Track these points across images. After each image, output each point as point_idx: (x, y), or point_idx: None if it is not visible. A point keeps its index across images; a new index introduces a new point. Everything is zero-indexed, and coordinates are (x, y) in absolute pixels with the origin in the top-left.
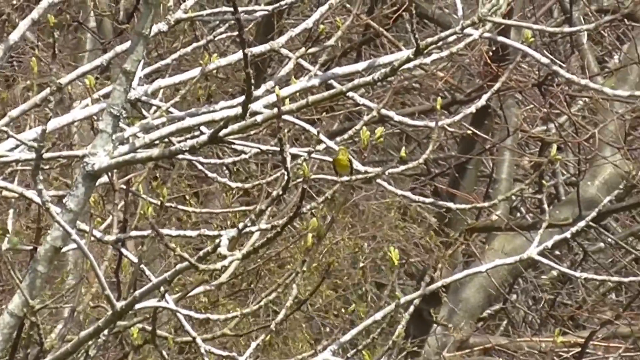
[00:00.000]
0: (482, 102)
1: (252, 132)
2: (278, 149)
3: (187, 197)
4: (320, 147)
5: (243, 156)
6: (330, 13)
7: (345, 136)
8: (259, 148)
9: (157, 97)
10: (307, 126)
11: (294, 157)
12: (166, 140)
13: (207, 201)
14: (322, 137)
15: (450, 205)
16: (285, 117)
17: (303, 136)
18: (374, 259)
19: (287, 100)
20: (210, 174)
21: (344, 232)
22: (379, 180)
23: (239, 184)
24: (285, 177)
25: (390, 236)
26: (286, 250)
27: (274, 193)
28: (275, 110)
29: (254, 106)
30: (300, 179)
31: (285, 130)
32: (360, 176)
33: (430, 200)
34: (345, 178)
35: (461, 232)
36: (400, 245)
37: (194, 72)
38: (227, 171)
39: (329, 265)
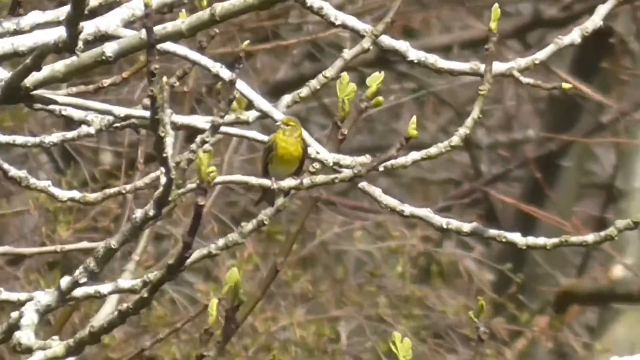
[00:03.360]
0: (595, 21)
1: (104, 84)
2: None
3: None
4: (247, 114)
5: (83, 130)
6: None
7: (303, 92)
8: (112, 114)
9: None
10: (211, 63)
11: (190, 136)
12: None
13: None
14: (245, 89)
15: (517, 239)
16: (166, 46)
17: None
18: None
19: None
20: (13, 171)
21: (296, 305)
22: (367, 187)
23: (75, 194)
24: (164, 180)
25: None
26: (167, 338)
27: (138, 215)
28: (143, 33)
29: (98, 23)
30: (194, 185)
31: (163, 80)
32: (321, 178)
33: (472, 226)
34: (289, 182)
35: (545, 304)
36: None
37: None
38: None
39: None
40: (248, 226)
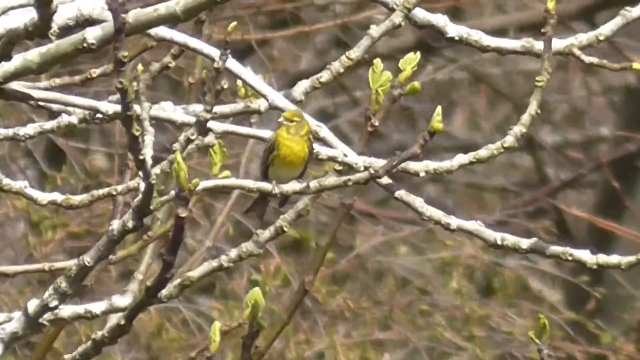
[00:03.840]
0: None
1: (92, 75)
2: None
3: None
4: (258, 102)
5: (63, 120)
6: None
7: (323, 77)
8: (98, 111)
9: None
10: (216, 52)
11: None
12: None
13: None
14: (251, 78)
15: (586, 257)
16: (160, 32)
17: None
18: None
19: None
20: None
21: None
22: (406, 196)
23: (57, 196)
24: (143, 186)
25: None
26: None
27: (115, 227)
28: (133, 14)
29: (81, 6)
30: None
31: (138, 68)
32: (331, 181)
33: (531, 243)
34: (292, 186)
35: (628, 329)
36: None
37: None
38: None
39: None
40: (265, 234)
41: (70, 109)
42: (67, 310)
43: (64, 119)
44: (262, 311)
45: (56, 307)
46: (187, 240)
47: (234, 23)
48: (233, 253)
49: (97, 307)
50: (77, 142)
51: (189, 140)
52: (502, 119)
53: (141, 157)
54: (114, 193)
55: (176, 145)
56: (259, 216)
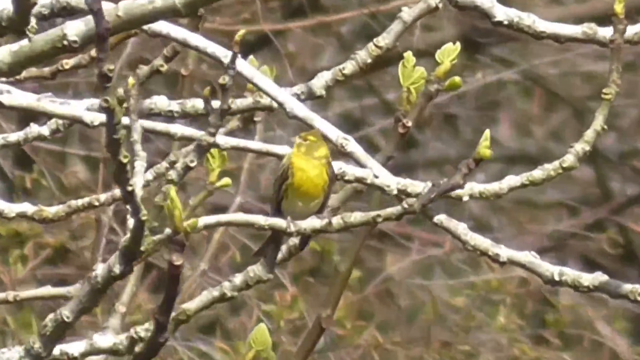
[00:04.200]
0: None
1: (65, 66)
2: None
3: None
4: (255, 97)
5: (32, 131)
6: None
7: (347, 68)
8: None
9: None
10: (223, 52)
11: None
12: None
13: None
14: (263, 81)
15: None
16: (157, 27)
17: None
18: None
19: None
20: None
21: None
22: (447, 222)
23: (27, 208)
24: (132, 223)
25: None
26: None
27: (99, 272)
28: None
29: None
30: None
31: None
32: (358, 217)
33: (595, 279)
34: (312, 223)
35: None
36: None
37: None
38: None
39: None
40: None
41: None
42: None
43: (33, 129)
44: (272, 351)
45: None
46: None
47: (243, 31)
48: (238, 279)
49: (76, 348)
50: (52, 145)
51: (187, 168)
52: (557, 125)
53: (129, 189)
54: (96, 204)
55: (171, 174)
56: (268, 263)
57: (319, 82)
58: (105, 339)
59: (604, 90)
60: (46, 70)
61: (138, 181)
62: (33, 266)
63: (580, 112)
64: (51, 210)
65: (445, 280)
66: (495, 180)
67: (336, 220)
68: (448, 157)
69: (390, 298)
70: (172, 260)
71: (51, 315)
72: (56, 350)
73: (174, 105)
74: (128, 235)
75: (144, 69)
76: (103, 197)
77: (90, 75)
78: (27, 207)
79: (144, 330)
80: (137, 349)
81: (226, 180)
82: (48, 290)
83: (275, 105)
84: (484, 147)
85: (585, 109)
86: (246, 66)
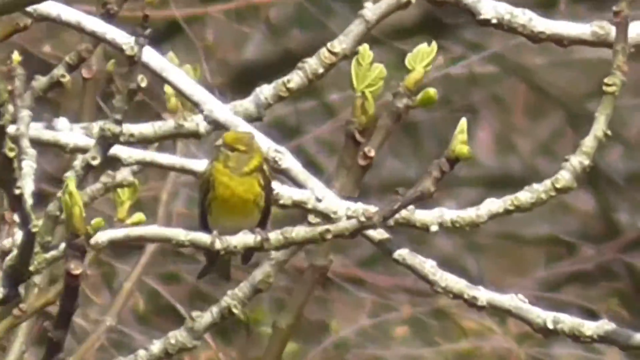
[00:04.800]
0: None
1: None
2: None
3: None
4: (196, 119)
5: None
6: None
7: (292, 81)
8: None
9: None
10: (126, 38)
11: None
12: None
13: None
14: (179, 78)
15: None
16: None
17: None
18: None
19: None
20: None
21: None
22: (409, 257)
23: None
24: (21, 237)
25: None
26: None
27: None
28: None
29: None
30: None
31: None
32: (301, 232)
33: (599, 328)
34: (244, 239)
35: None
36: None
37: None
38: None
39: None
40: (204, 318)
41: None
42: None
43: None
44: None
45: None
46: (75, 318)
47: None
48: (156, 346)
49: None
50: None
51: (88, 167)
52: (548, 134)
53: (17, 192)
54: None
55: (69, 174)
56: (223, 276)
57: (257, 100)
58: None
59: (606, 80)
60: None
61: (27, 184)
62: None
63: (577, 118)
64: None
65: (407, 346)
66: (472, 206)
67: (275, 236)
68: (408, 178)
69: None
70: (69, 269)
71: None
72: None
73: (77, 129)
74: (14, 252)
75: (41, 81)
76: None
77: None
78: None
79: None
80: None
81: (139, 216)
82: None
83: (202, 130)
84: (460, 143)
85: (583, 112)
86: (155, 56)
